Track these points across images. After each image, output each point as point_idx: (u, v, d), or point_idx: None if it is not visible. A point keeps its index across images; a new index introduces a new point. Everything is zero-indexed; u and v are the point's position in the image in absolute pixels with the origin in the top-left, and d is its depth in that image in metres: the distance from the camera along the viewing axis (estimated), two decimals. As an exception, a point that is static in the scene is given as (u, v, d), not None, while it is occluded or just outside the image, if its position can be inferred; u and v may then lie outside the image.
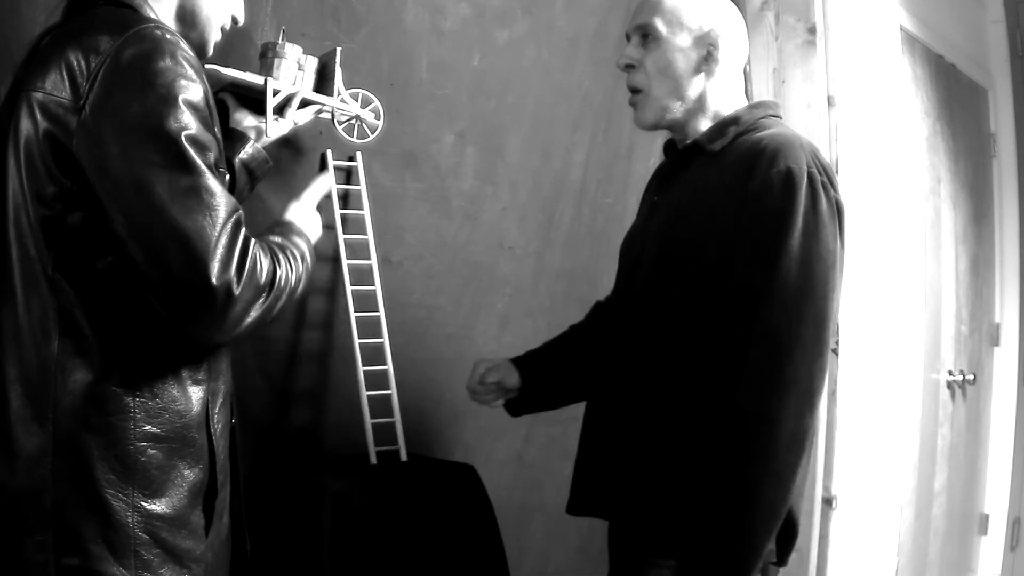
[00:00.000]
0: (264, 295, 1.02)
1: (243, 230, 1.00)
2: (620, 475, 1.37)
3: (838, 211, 1.31)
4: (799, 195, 1.25)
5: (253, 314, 1.01)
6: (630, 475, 1.36)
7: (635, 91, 1.42)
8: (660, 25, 1.38)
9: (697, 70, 1.39)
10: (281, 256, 1.09)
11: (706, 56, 1.38)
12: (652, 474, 1.33)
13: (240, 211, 1.01)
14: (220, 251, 0.96)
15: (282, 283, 1.06)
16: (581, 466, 1.46)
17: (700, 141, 1.39)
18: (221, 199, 0.98)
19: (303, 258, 1.15)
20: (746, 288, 1.26)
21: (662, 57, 1.38)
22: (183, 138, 0.97)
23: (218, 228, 0.97)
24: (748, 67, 2.32)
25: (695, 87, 1.39)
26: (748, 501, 1.22)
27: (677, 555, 1.29)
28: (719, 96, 1.41)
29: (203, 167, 0.98)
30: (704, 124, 1.41)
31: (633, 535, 1.39)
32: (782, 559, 1.34)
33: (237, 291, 0.97)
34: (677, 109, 1.40)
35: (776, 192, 1.25)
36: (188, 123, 0.98)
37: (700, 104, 1.40)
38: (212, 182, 0.98)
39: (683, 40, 1.38)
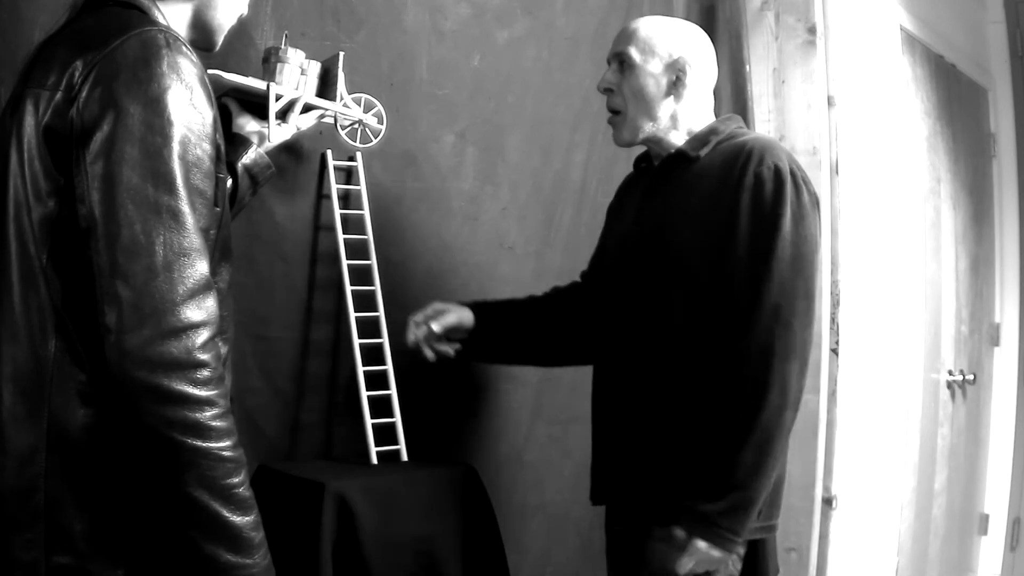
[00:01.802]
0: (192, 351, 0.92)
1: (202, 266, 0.96)
2: (638, 458, 1.50)
3: (815, 203, 1.48)
4: (787, 188, 1.43)
5: (163, 350, 0.91)
6: (648, 456, 1.48)
7: (614, 112, 1.56)
8: (634, 53, 1.53)
9: (667, 93, 1.53)
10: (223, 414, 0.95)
11: (675, 81, 1.53)
12: (665, 451, 1.46)
13: (207, 267, 0.97)
14: (169, 273, 0.92)
15: (209, 377, 0.93)
16: (599, 456, 1.58)
17: (684, 149, 1.54)
18: (189, 230, 0.95)
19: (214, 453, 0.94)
20: (745, 270, 1.41)
21: (636, 82, 1.53)
22: (164, 153, 0.95)
23: (172, 253, 0.93)
24: (748, 67, 2.32)
25: (666, 108, 1.54)
26: (762, 457, 1.37)
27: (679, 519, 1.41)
28: (689, 115, 1.56)
29: (180, 187, 0.95)
30: (678, 139, 1.56)
31: (640, 510, 1.50)
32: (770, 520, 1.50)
33: (173, 317, 0.91)
34: (650, 128, 1.54)
35: (768, 185, 1.42)
36: (173, 136, 0.95)
37: (672, 123, 1.55)
38: (184, 208, 0.95)
39: (654, 67, 1.53)
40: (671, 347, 1.47)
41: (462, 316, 1.65)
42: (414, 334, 1.61)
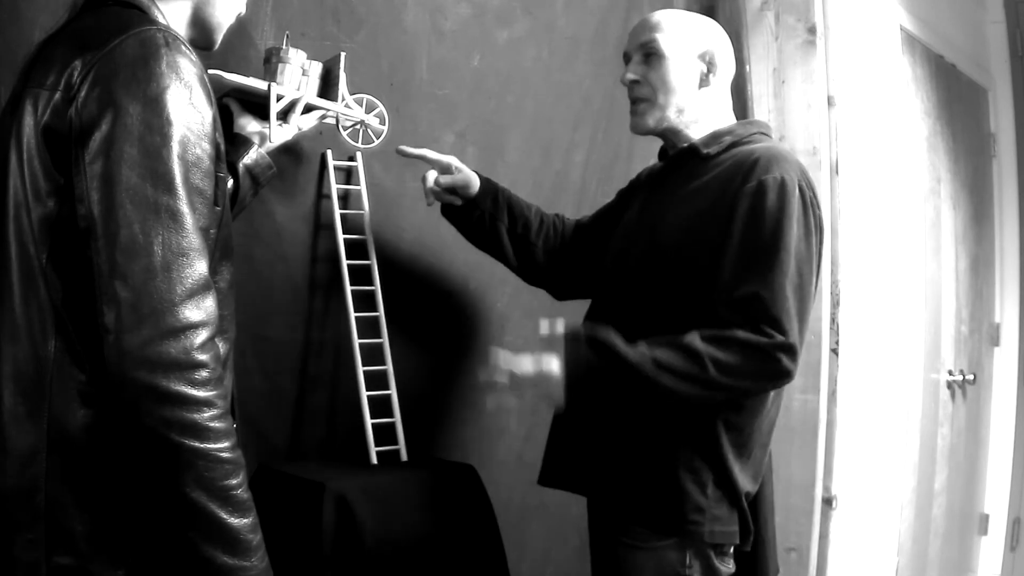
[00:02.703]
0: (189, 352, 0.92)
1: (201, 266, 0.95)
2: (595, 450, 1.47)
3: (819, 226, 1.42)
4: (793, 201, 1.36)
5: (162, 350, 0.90)
6: (605, 451, 1.46)
7: (640, 100, 1.51)
8: (664, 42, 1.48)
9: (699, 84, 1.50)
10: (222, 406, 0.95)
11: (705, 73, 1.49)
12: (628, 453, 1.43)
13: (206, 267, 0.96)
14: (167, 273, 0.92)
15: (208, 377, 0.93)
16: (554, 440, 1.57)
17: (696, 145, 1.49)
18: (188, 229, 0.94)
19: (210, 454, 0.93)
20: (736, 284, 1.34)
21: (668, 71, 1.48)
22: (163, 153, 0.94)
23: (170, 253, 0.93)
24: (748, 67, 2.32)
25: (696, 100, 1.50)
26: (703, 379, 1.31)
27: (651, 527, 1.40)
28: (713, 109, 1.52)
29: (179, 187, 0.95)
30: (697, 133, 1.51)
31: (607, 512, 1.48)
32: (744, 541, 1.44)
33: (171, 317, 0.91)
34: (675, 119, 1.50)
35: (771, 195, 1.35)
36: (172, 136, 0.95)
37: (696, 116, 1.51)
38: (184, 208, 0.95)
39: (686, 56, 1.48)
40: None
41: (469, 180, 1.66)
42: (427, 181, 1.65)
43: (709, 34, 1.51)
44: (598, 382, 1.34)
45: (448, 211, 1.71)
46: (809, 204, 1.38)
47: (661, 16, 1.51)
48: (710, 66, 1.49)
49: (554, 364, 1.34)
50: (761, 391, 1.40)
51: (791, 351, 1.31)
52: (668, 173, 1.54)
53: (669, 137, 1.54)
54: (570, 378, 1.33)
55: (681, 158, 1.51)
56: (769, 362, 1.31)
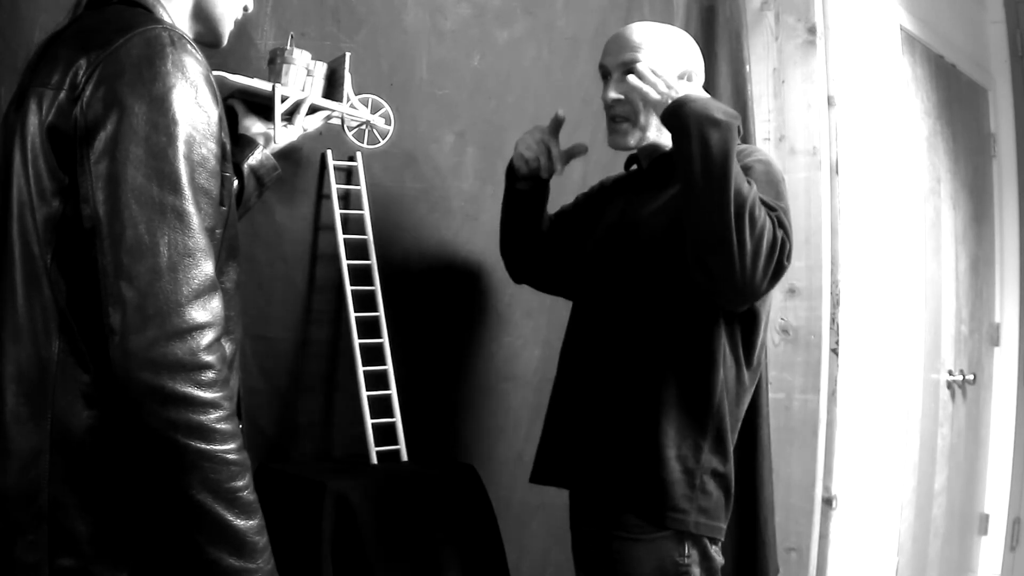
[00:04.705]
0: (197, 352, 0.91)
1: (207, 266, 0.94)
2: (586, 441, 1.49)
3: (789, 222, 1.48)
4: (779, 178, 1.45)
5: (167, 351, 0.90)
6: (595, 441, 1.47)
7: (622, 119, 1.52)
8: (645, 62, 1.47)
9: None
10: (228, 404, 0.95)
11: None
12: (619, 441, 1.45)
13: (212, 268, 0.96)
14: (173, 274, 0.91)
15: (214, 378, 0.92)
16: (547, 436, 1.59)
17: (671, 153, 1.49)
18: (194, 230, 0.94)
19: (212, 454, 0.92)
20: None
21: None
22: (169, 153, 0.94)
23: (176, 253, 0.92)
24: (748, 67, 2.32)
25: None
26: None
27: (640, 515, 1.40)
28: None
29: (185, 187, 0.94)
30: (668, 142, 1.51)
31: (597, 505, 1.49)
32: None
33: (178, 318, 0.90)
34: (654, 136, 1.52)
35: (759, 167, 1.42)
36: (178, 135, 0.95)
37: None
38: (190, 208, 0.94)
39: (667, 77, 1.47)
40: (645, 335, 1.46)
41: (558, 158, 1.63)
42: (538, 151, 1.61)
43: (687, 52, 1.53)
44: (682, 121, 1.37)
45: (516, 178, 1.67)
46: (786, 190, 1.46)
47: (641, 33, 1.50)
48: (688, 84, 1.50)
49: (693, 89, 1.46)
50: (754, 257, 1.33)
51: (789, 256, 1.36)
52: (645, 179, 1.58)
53: (646, 149, 1.57)
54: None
55: (658, 165, 1.55)
56: (779, 247, 1.34)
